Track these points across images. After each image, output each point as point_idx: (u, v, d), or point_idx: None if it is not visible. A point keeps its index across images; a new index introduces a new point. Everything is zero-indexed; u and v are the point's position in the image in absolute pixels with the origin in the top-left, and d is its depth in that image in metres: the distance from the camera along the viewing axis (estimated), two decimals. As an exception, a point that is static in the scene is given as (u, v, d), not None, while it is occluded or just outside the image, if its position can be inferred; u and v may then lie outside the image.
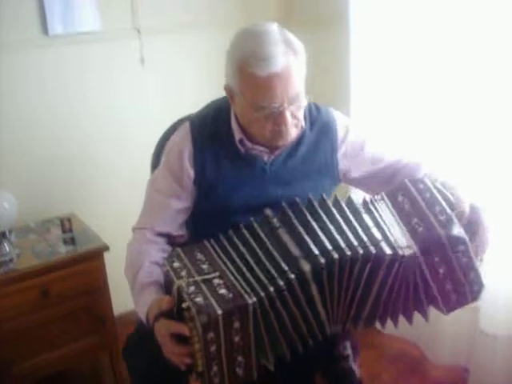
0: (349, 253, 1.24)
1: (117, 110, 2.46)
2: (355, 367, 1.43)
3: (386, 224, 1.34)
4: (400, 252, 1.27)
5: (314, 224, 1.30)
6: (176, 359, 1.29)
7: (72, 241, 2.14)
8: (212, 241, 1.36)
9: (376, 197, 1.42)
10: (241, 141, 1.52)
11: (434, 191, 1.40)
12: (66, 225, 2.15)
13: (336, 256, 1.24)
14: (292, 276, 1.22)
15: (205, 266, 1.29)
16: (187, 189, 1.55)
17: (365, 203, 1.38)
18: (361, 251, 1.25)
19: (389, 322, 1.37)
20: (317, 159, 1.57)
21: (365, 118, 2.30)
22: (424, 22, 2.00)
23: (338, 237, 1.27)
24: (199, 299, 1.20)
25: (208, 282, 1.24)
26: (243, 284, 1.24)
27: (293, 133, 1.46)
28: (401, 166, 1.63)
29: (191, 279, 1.25)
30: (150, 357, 1.47)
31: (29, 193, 2.36)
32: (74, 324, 2.10)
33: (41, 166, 2.38)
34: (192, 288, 1.22)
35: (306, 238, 1.28)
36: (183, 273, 1.27)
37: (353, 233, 1.29)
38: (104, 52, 2.38)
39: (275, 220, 1.33)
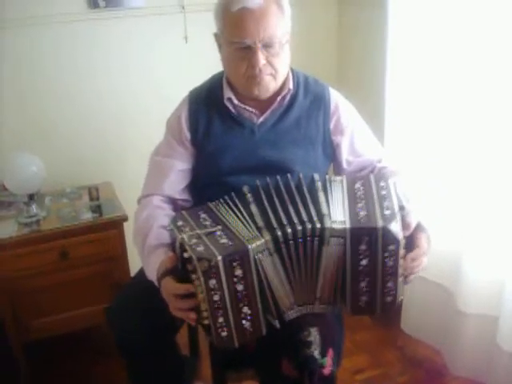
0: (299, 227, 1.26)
1: (158, 86, 2.50)
2: (318, 356, 1.37)
3: (332, 202, 1.32)
4: (329, 224, 1.25)
5: (276, 201, 1.34)
6: (182, 315, 1.32)
7: (98, 208, 2.20)
8: (215, 202, 1.39)
9: (337, 177, 1.42)
10: (229, 99, 1.57)
11: (392, 192, 1.36)
12: (93, 193, 2.21)
13: (289, 230, 1.26)
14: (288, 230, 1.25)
15: (207, 223, 1.33)
16: (188, 150, 1.62)
17: (323, 181, 1.39)
18: (308, 226, 1.26)
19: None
20: (309, 127, 1.60)
21: (399, 107, 2.22)
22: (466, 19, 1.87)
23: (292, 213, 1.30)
24: (200, 248, 1.23)
25: (210, 234, 1.27)
26: (245, 234, 1.26)
27: (269, 82, 1.50)
28: (379, 166, 1.66)
29: (194, 232, 1.28)
30: (136, 318, 1.52)
31: (68, 160, 2.47)
32: (92, 288, 2.15)
33: (79, 136, 2.47)
34: (194, 240, 1.27)
35: (270, 212, 1.31)
36: (186, 229, 1.31)
37: (305, 209, 1.31)
38: (148, 28, 2.42)
39: (249, 195, 1.38)
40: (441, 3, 1.93)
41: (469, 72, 1.88)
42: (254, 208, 1.34)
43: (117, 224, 2.15)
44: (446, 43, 1.95)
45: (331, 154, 1.65)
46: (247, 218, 1.32)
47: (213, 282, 1.21)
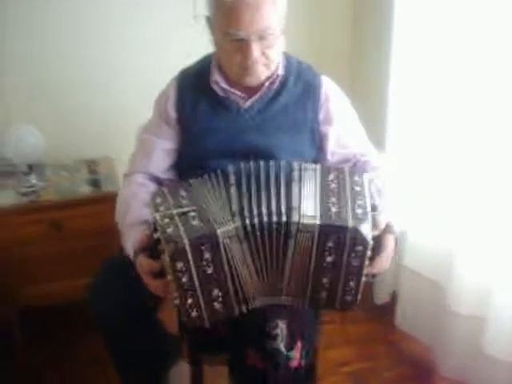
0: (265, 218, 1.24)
1: (165, 59, 2.43)
2: (283, 348, 1.35)
3: (304, 193, 1.29)
4: (297, 218, 1.22)
5: (254, 187, 1.30)
6: (157, 292, 1.35)
7: (95, 183, 2.22)
8: (199, 179, 1.37)
9: (310, 165, 1.37)
10: (216, 83, 1.55)
11: (366, 189, 1.32)
12: (92, 167, 2.24)
13: (256, 220, 1.24)
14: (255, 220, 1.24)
15: (184, 202, 1.31)
16: (173, 129, 1.61)
17: (298, 169, 1.34)
18: (274, 219, 1.24)
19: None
20: (297, 114, 1.56)
21: (404, 104, 2.18)
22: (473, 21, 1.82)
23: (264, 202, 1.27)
24: (170, 229, 1.23)
25: (183, 214, 1.26)
26: (217, 217, 1.25)
27: (261, 72, 1.48)
28: (362, 159, 1.62)
29: (168, 212, 1.27)
30: (115, 295, 1.52)
31: (71, 133, 2.46)
32: (85, 261, 2.12)
33: (83, 109, 2.46)
34: (166, 220, 1.26)
35: (245, 198, 1.29)
36: (162, 207, 1.30)
37: (276, 200, 1.27)
38: (157, 5, 2.40)
39: (232, 177, 1.33)
40: (447, 4, 1.88)
41: (471, 73, 1.84)
42: (233, 190, 1.31)
43: (112, 199, 2.13)
44: (451, 45, 1.92)
45: (319, 143, 1.61)
46: (225, 200, 1.30)
47: (180, 265, 1.21)
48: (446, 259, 1.99)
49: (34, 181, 2.16)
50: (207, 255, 1.22)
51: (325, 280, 1.28)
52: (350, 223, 1.22)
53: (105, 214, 2.16)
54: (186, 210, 1.27)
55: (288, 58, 1.60)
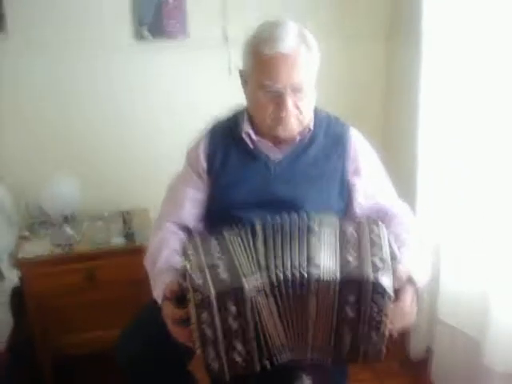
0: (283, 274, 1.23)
1: (200, 117, 2.51)
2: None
3: (323, 247, 1.28)
4: (318, 274, 1.21)
5: (279, 242, 1.30)
6: (179, 338, 1.36)
7: (128, 234, 2.26)
8: (230, 231, 1.38)
9: (329, 218, 1.37)
10: (247, 134, 1.57)
11: (385, 241, 1.30)
12: (127, 218, 2.28)
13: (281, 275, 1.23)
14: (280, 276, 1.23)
15: (216, 253, 1.32)
16: (203, 180, 1.64)
17: (318, 223, 1.34)
18: (295, 273, 1.23)
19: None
20: (326, 167, 1.57)
21: (433, 136, 2.14)
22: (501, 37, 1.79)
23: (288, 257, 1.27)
24: (199, 280, 1.24)
25: (213, 266, 1.27)
26: (246, 271, 1.25)
27: (294, 124, 1.50)
28: (389, 212, 1.60)
29: (198, 262, 1.28)
30: (145, 346, 1.53)
31: (109, 186, 2.55)
32: (118, 311, 2.17)
33: (121, 163, 2.54)
34: (196, 270, 1.27)
35: (271, 253, 1.28)
36: (193, 257, 1.31)
37: (299, 255, 1.27)
38: (192, 60, 2.48)
39: (259, 232, 1.34)
40: (475, 41, 1.87)
41: (501, 122, 1.80)
42: (260, 245, 1.31)
43: (144, 251, 2.18)
44: (476, 98, 1.89)
45: (347, 195, 1.61)
46: (253, 254, 1.30)
47: (205, 316, 1.22)
48: (480, 309, 1.91)
49: (69, 232, 2.23)
50: (233, 308, 1.22)
51: (347, 334, 1.26)
52: (370, 275, 1.20)
53: (137, 265, 2.20)
54: (216, 262, 1.28)
55: (316, 111, 1.62)
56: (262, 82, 1.45)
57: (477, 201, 1.96)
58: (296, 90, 1.45)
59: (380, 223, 1.38)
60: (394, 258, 1.28)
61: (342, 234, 1.33)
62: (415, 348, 2.35)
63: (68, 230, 2.23)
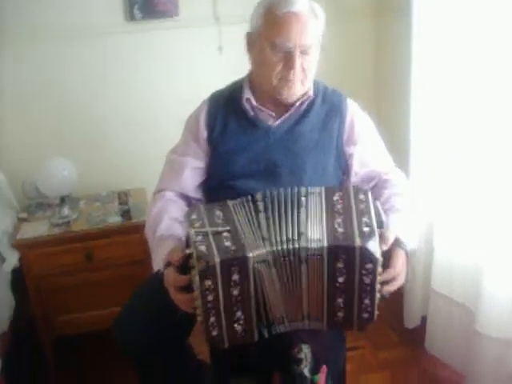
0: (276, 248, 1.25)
1: (192, 96, 2.53)
2: (308, 373, 1.36)
3: (310, 218, 1.30)
4: (305, 243, 1.24)
5: (276, 215, 1.32)
6: (181, 306, 1.36)
7: (125, 213, 2.28)
8: (235, 201, 1.39)
9: (315, 189, 1.39)
10: (248, 100, 1.60)
11: (371, 205, 1.33)
12: (123, 198, 2.29)
13: (279, 248, 1.25)
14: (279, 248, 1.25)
15: (219, 221, 1.33)
16: (203, 148, 1.65)
17: (305, 194, 1.36)
18: (289, 246, 1.25)
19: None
20: (323, 135, 1.60)
21: (425, 110, 2.16)
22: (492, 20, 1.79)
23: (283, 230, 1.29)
24: (202, 247, 1.25)
25: (217, 234, 1.28)
26: (250, 241, 1.26)
27: (298, 88, 1.54)
28: (383, 177, 1.65)
29: (202, 229, 1.30)
30: (141, 327, 1.54)
31: (106, 166, 2.59)
32: (115, 290, 2.22)
33: (117, 143, 2.58)
34: (200, 237, 1.28)
35: (271, 226, 1.30)
36: (197, 224, 1.32)
37: (291, 226, 1.29)
38: (183, 39, 2.49)
39: (261, 204, 1.35)
40: (467, 15, 1.87)
41: (497, 84, 1.80)
42: (262, 217, 1.33)
43: (141, 229, 2.19)
44: (473, 62, 1.89)
45: (344, 164, 1.64)
46: (256, 225, 1.32)
47: (208, 283, 1.23)
48: (473, 280, 1.95)
49: (66, 212, 2.25)
50: (236, 277, 1.23)
51: (339, 300, 1.28)
52: (357, 242, 1.23)
53: (134, 244, 2.24)
54: (220, 229, 1.29)
55: (315, 81, 1.64)
56: (273, 41, 1.49)
57: (470, 174, 1.99)
58: (304, 51, 1.49)
59: (366, 189, 1.41)
60: (380, 222, 1.30)
61: (328, 204, 1.35)
62: (410, 317, 2.40)
63: (65, 210, 2.25)
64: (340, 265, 1.24)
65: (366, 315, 1.29)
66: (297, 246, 1.25)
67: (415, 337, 2.39)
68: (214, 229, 1.29)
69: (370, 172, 1.65)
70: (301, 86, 1.53)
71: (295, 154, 1.58)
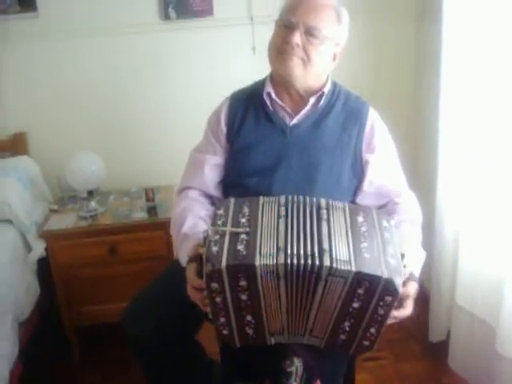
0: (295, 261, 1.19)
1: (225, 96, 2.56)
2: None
3: (334, 234, 1.24)
4: (329, 262, 1.18)
5: (295, 224, 1.27)
6: (195, 301, 1.36)
7: (151, 209, 2.32)
8: (268, 199, 1.36)
9: (338, 203, 1.33)
10: (268, 94, 1.60)
11: (395, 237, 1.28)
12: (149, 194, 2.34)
13: (295, 261, 1.19)
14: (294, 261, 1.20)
15: (243, 220, 1.30)
16: (223, 144, 1.66)
17: (328, 207, 1.31)
18: (308, 261, 1.19)
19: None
20: (341, 139, 1.58)
21: (454, 121, 2.08)
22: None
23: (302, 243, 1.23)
24: (215, 248, 1.23)
25: (235, 234, 1.26)
26: (264, 247, 1.22)
27: (295, 64, 1.50)
28: (394, 199, 1.61)
29: (222, 228, 1.28)
30: (151, 322, 1.56)
31: (138, 163, 2.64)
32: (137, 284, 2.25)
33: (150, 140, 2.62)
34: (216, 237, 1.26)
35: (289, 235, 1.24)
36: (220, 221, 1.31)
37: (311, 239, 1.23)
38: (217, 39, 2.50)
39: (283, 209, 1.31)
40: (497, 20, 1.80)
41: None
42: (281, 223, 1.28)
43: (165, 225, 2.21)
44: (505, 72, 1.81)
45: (359, 171, 1.60)
46: (276, 232, 1.27)
47: (214, 285, 1.22)
48: (496, 297, 1.87)
49: (93, 205, 2.31)
50: (243, 283, 1.21)
51: (346, 324, 1.26)
52: (385, 274, 1.18)
53: (158, 239, 2.28)
54: (239, 230, 1.27)
55: (338, 85, 1.64)
56: (281, 16, 1.52)
57: (495, 188, 1.92)
58: (309, 32, 1.48)
59: (389, 217, 1.37)
60: (402, 256, 1.25)
61: (353, 224, 1.30)
62: (435, 330, 2.32)
63: (93, 203, 2.31)
64: (360, 291, 1.20)
65: (366, 343, 1.28)
66: (317, 263, 1.19)
67: (439, 351, 2.31)
68: (234, 229, 1.27)
69: (382, 188, 1.60)
70: (301, 66, 1.50)
71: (311, 155, 1.56)
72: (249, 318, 1.27)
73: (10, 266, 2.04)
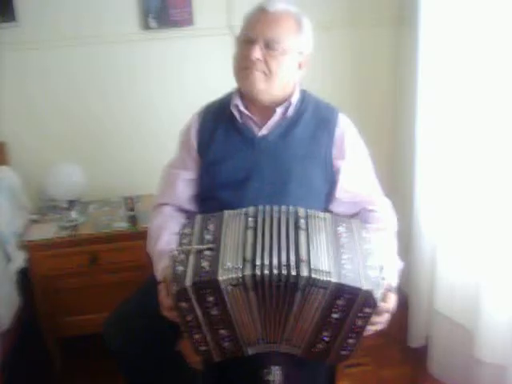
0: (275, 271, 1.20)
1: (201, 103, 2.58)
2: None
3: (313, 245, 1.25)
4: (308, 273, 1.19)
5: (267, 234, 1.28)
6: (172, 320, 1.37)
7: (131, 219, 2.31)
8: (233, 212, 1.38)
9: (318, 213, 1.35)
10: (236, 106, 1.61)
11: (375, 248, 1.30)
12: (130, 204, 2.33)
13: (266, 272, 1.20)
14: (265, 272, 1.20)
15: (208, 237, 1.32)
16: (194, 159, 1.67)
17: (306, 217, 1.33)
18: (283, 271, 1.19)
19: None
20: (311, 147, 1.58)
21: (431, 126, 2.12)
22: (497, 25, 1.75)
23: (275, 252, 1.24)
24: (180, 268, 1.25)
25: (199, 252, 1.27)
26: (228, 262, 1.23)
27: (258, 78, 1.51)
28: (368, 207, 1.61)
29: (187, 247, 1.29)
30: (131, 332, 1.57)
31: (117, 172, 2.63)
32: (119, 294, 2.24)
33: (129, 149, 2.61)
34: (182, 256, 1.28)
35: (258, 246, 1.25)
36: (185, 240, 1.33)
37: (286, 249, 1.24)
38: (197, 48, 2.51)
39: (251, 220, 1.33)
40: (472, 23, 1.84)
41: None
42: (249, 234, 1.29)
43: (145, 235, 2.20)
44: (483, 78, 1.85)
45: (331, 178, 1.60)
46: (242, 243, 1.28)
47: (183, 304, 1.23)
48: (473, 301, 1.91)
49: (73, 216, 2.30)
50: (210, 298, 1.22)
51: (325, 334, 1.27)
52: (365, 286, 1.20)
53: (139, 249, 2.26)
54: (203, 247, 1.28)
55: (307, 94, 1.65)
56: (241, 34, 1.54)
57: (471, 196, 1.96)
58: (269, 45, 1.50)
59: (368, 227, 1.39)
60: (381, 268, 1.27)
61: (333, 234, 1.32)
62: (414, 336, 2.36)
63: (73, 214, 2.30)
64: (340, 302, 1.22)
65: (344, 352, 1.30)
66: (293, 273, 1.20)
67: (419, 356, 2.34)
68: (198, 247, 1.28)
69: (355, 195, 1.61)
70: (263, 79, 1.51)
71: (281, 165, 1.57)
72: (223, 332, 1.28)
73: (-11, 276, 2.02)
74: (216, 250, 1.27)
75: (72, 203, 2.29)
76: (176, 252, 1.29)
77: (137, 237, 2.24)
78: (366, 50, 2.68)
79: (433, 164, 2.12)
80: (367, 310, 1.22)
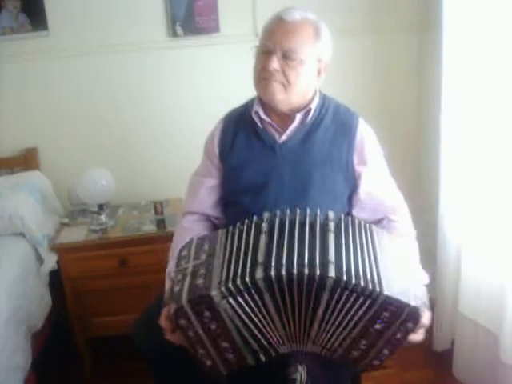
0: (295, 271, 1.19)
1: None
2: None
3: (352, 249, 1.25)
4: (333, 274, 1.18)
5: (286, 237, 1.27)
6: (175, 343, 1.38)
7: (160, 222, 2.37)
8: (228, 229, 1.38)
9: (360, 221, 1.36)
10: (256, 113, 1.62)
11: (416, 264, 1.34)
12: (158, 208, 2.39)
13: (284, 272, 1.19)
14: (283, 272, 1.20)
15: (203, 256, 1.34)
16: (216, 166, 1.70)
17: (346, 222, 1.33)
18: (306, 271, 1.19)
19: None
20: (332, 153, 1.59)
21: (455, 128, 2.12)
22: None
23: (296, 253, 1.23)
24: (176, 288, 1.27)
25: (195, 271, 1.30)
26: (221, 276, 1.24)
27: (276, 89, 1.53)
28: (390, 217, 1.63)
29: (184, 267, 1.32)
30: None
31: (145, 176, 2.70)
32: (147, 296, 2.30)
33: (157, 154, 2.68)
34: (179, 276, 1.30)
35: (274, 248, 1.25)
36: (183, 261, 1.35)
37: (309, 251, 1.23)
38: (223, 55, 2.57)
39: (265, 225, 1.32)
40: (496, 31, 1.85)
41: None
42: (262, 239, 1.29)
43: (173, 238, 2.28)
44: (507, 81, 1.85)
45: (352, 183, 1.62)
46: (250, 250, 1.28)
47: (182, 322, 1.26)
48: (498, 305, 1.91)
49: (103, 219, 2.36)
50: (207, 313, 1.24)
51: (363, 342, 1.27)
52: (414, 303, 1.20)
53: (167, 251, 2.30)
54: (199, 266, 1.30)
55: (327, 98, 1.66)
56: (260, 42, 1.55)
57: (497, 197, 1.96)
58: (286, 55, 1.50)
59: (406, 244, 1.41)
60: (423, 283, 1.29)
61: (381, 244, 1.32)
62: (439, 340, 2.36)
63: (103, 217, 2.36)
64: (386, 314, 1.21)
65: (376, 362, 1.29)
66: (318, 272, 1.19)
67: (443, 360, 2.34)
68: (196, 265, 1.30)
69: (378, 203, 1.62)
70: (282, 90, 1.53)
71: (301, 170, 1.58)
72: (224, 344, 1.28)
73: (23, 278, 2.09)
74: (210, 266, 1.29)
75: (102, 207, 2.35)
76: (173, 273, 1.34)
77: (165, 240, 2.23)
78: (387, 56, 2.69)
79: (457, 165, 2.12)
80: (410, 324, 1.22)
